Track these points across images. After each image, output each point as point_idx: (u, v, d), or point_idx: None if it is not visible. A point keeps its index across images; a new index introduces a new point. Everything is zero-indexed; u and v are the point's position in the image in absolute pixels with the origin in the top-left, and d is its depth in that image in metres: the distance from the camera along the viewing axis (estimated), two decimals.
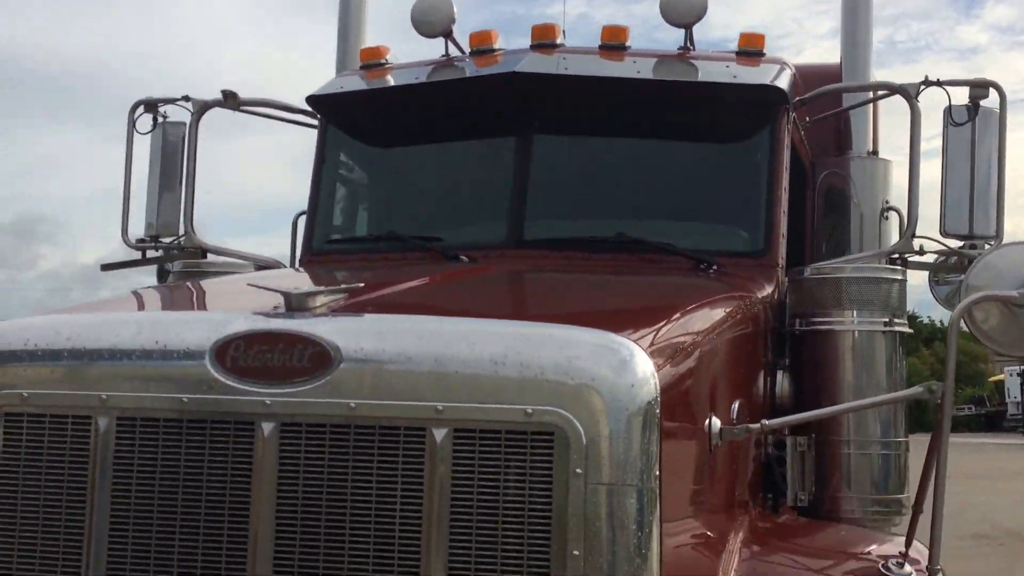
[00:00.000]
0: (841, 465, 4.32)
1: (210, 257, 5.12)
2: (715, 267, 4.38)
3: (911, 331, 4.46)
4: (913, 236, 4.65)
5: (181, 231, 5.14)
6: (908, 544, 3.28)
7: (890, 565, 3.14)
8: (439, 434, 2.35)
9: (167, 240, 5.18)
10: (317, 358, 2.42)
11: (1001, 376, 70.48)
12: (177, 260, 5.07)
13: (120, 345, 2.53)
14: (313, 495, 2.39)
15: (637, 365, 2.40)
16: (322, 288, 2.63)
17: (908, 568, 3.16)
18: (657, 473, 2.35)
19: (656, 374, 2.44)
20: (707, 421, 2.88)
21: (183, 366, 2.48)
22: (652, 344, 2.60)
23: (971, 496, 23.93)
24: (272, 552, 2.38)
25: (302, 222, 5.39)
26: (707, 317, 3.34)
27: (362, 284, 2.75)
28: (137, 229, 5.22)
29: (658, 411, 2.39)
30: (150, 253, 5.16)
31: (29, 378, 2.55)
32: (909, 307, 4.54)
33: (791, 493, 4.30)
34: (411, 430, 2.37)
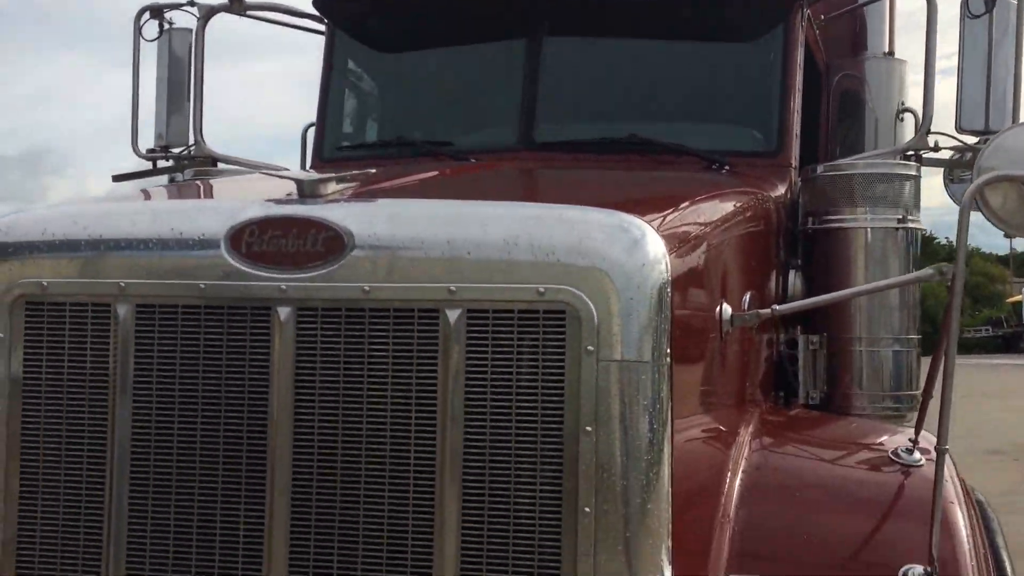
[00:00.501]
0: (853, 363, 4.34)
1: (220, 167, 5.12)
2: (727, 167, 4.36)
3: (925, 229, 4.45)
4: (928, 133, 4.60)
5: (191, 140, 5.14)
6: (917, 432, 3.31)
7: (900, 452, 3.17)
8: (452, 315, 2.37)
9: (177, 150, 5.18)
10: (331, 243, 2.44)
11: (1019, 297, 70.26)
12: (188, 170, 5.07)
13: (136, 234, 2.55)
14: (330, 378, 2.43)
15: (648, 245, 2.41)
16: (334, 176, 2.63)
17: (917, 455, 3.19)
18: (668, 351, 2.37)
19: (667, 256, 2.44)
20: (718, 308, 2.90)
21: (199, 253, 2.50)
22: (664, 227, 2.60)
23: (986, 415, 24.15)
24: (291, 432, 2.43)
25: (311, 135, 5.38)
26: (719, 208, 3.34)
27: (373, 171, 2.76)
28: (148, 141, 5.22)
29: (669, 291, 2.40)
30: (161, 163, 5.17)
31: (48, 267, 2.58)
32: (926, 228, 4.52)
33: (803, 391, 4.34)
34: (425, 312, 2.39)
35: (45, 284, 2.57)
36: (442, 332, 2.37)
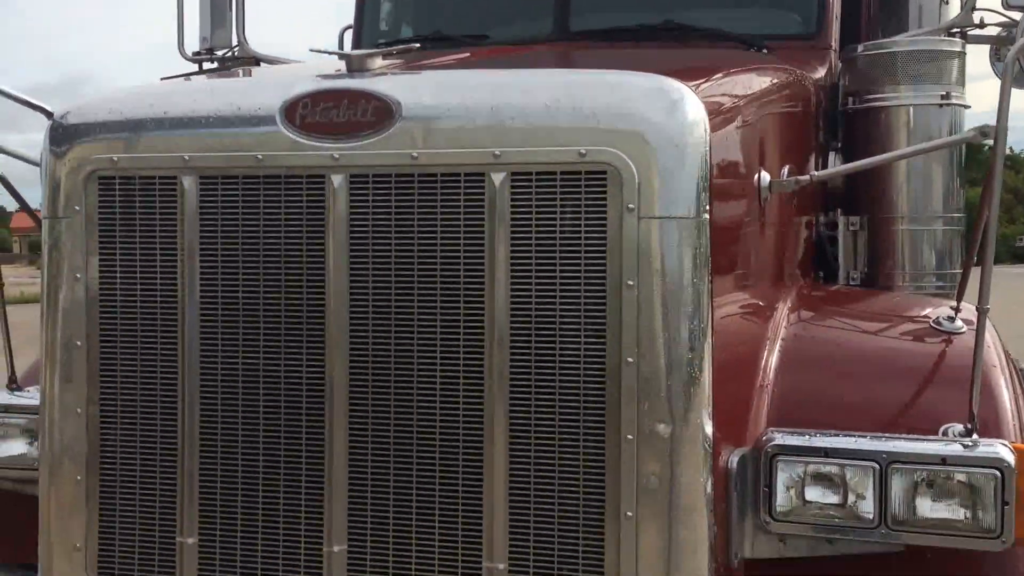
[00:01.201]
0: (895, 242, 4.38)
1: (263, 66, 5.21)
2: (766, 50, 4.36)
3: (969, 106, 4.42)
4: (973, 9, 4.55)
5: (234, 42, 5.23)
6: (959, 301, 3.35)
7: (941, 320, 3.22)
8: (497, 178, 2.47)
9: (221, 52, 5.27)
10: (380, 112, 2.53)
11: None
12: (233, 70, 5.16)
13: (198, 110, 2.67)
14: (382, 242, 2.55)
15: (688, 106, 2.47)
16: (381, 51, 2.72)
17: (959, 322, 3.24)
18: (708, 208, 2.45)
19: (706, 118, 2.50)
20: (756, 175, 2.95)
21: (256, 127, 2.61)
22: (703, 92, 2.65)
23: None
24: (347, 295, 2.56)
25: (348, 37, 5.45)
26: (758, 82, 3.37)
27: (418, 45, 2.84)
28: (193, 44, 5.30)
29: (707, 152, 2.47)
30: (206, 66, 5.26)
31: (118, 144, 2.72)
32: (970, 105, 4.47)
33: (843, 272, 4.39)
34: (471, 176, 2.49)
35: (115, 159, 2.71)
36: (487, 195, 2.47)
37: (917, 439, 2.57)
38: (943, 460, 2.49)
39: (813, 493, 2.55)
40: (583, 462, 2.43)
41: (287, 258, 2.61)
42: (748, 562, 2.64)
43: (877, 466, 2.50)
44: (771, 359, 3.05)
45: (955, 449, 2.51)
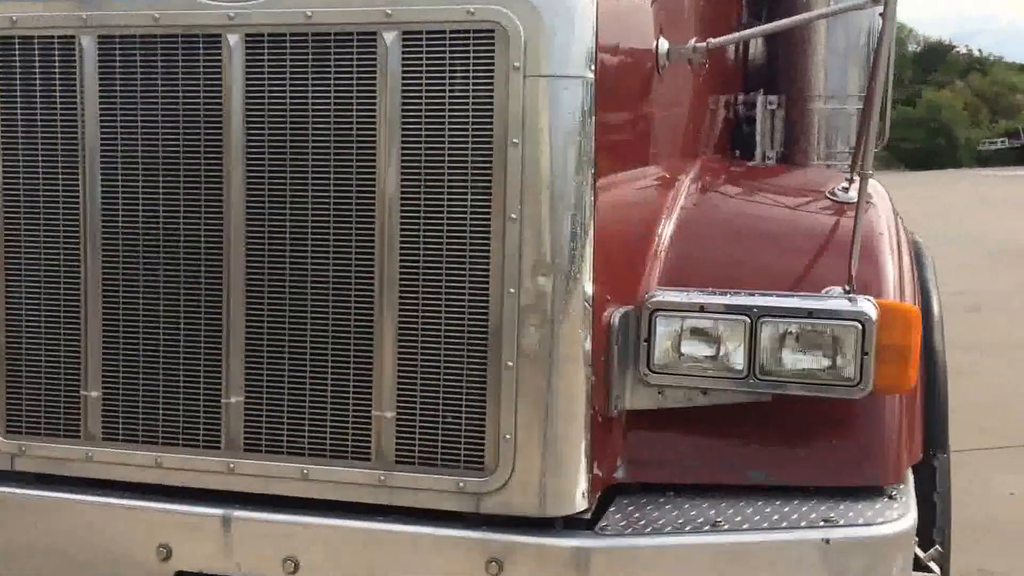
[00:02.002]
0: (813, 120, 4.48)
1: None
2: None
3: None
4: None
5: None
6: (853, 170, 3.46)
7: (836, 191, 3.33)
8: (389, 37, 2.51)
9: None
10: None
11: None
12: None
13: None
14: (278, 103, 2.59)
15: None
16: None
17: (853, 193, 3.36)
18: (593, 69, 2.51)
19: None
20: (655, 42, 3.00)
21: None
22: None
23: (993, 222, 24.32)
24: (244, 155, 2.61)
25: None
26: None
27: None
28: None
29: (595, 12, 2.51)
30: None
31: (17, 5, 2.73)
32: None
33: (760, 150, 4.49)
34: (363, 35, 2.53)
35: (14, 19, 2.72)
36: (380, 53, 2.52)
37: (787, 295, 2.70)
38: (809, 313, 2.62)
39: (688, 347, 2.69)
40: (467, 315, 2.54)
41: (186, 119, 2.66)
42: (634, 413, 2.79)
43: (748, 320, 2.64)
44: (668, 226, 3.16)
45: (821, 303, 2.64)
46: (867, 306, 2.62)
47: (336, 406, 2.64)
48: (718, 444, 2.83)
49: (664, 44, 3.01)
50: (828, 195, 3.34)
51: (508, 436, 2.54)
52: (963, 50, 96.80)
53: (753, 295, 2.71)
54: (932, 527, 3.18)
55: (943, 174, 56.93)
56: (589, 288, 2.56)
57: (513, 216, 2.49)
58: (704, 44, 3.03)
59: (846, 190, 3.38)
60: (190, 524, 2.69)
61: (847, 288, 2.78)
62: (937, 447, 3.18)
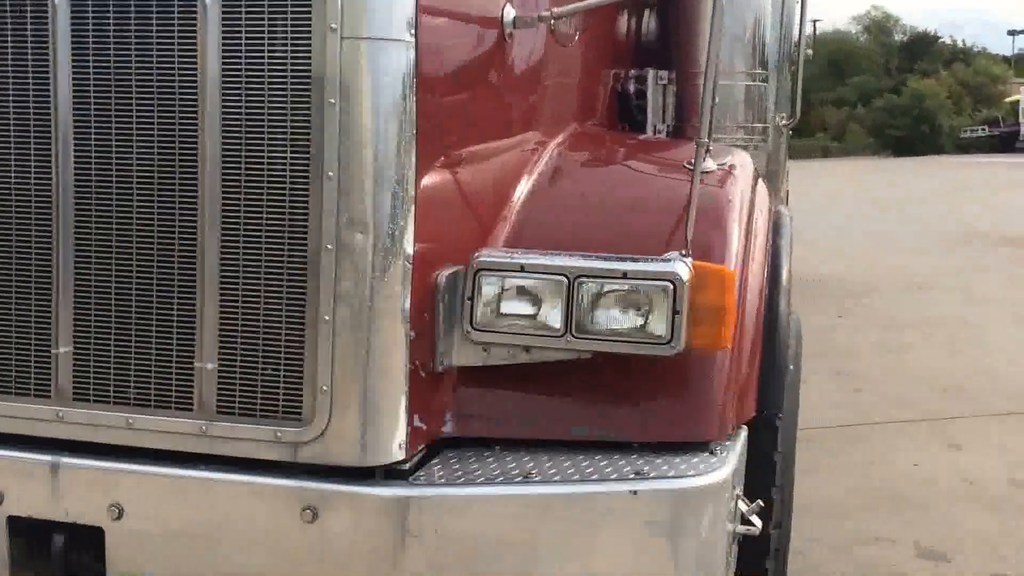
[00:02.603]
0: (701, 96, 4.54)
1: None
2: None
3: None
4: None
5: None
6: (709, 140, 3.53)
7: (684, 165, 3.40)
8: None
9: None
10: None
11: (1017, 97, 69.25)
12: None
13: None
14: (102, 60, 2.64)
15: None
16: None
17: (710, 163, 3.44)
18: (415, 31, 2.57)
19: None
20: (501, 8, 3.06)
21: None
22: None
23: (959, 207, 24.57)
24: (71, 103, 2.67)
25: None
26: None
27: None
28: None
29: None
30: None
31: None
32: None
33: (650, 125, 4.56)
34: None
35: None
36: (199, 12, 2.57)
37: (607, 257, 2.78)
38: (624, 274, 2.71)
39: (510, 305, 2.77)
40: (286, 270, 2.62)
41: (15, 82, 2.71)
42: (465, 370, 2.87)
43: (566, 280, 2.72)
44: (522, 190, 3.23)
45: (635, 265, 2.72)
46: (680, 267, 2.70)
47: (160, 357, 2.72)
48: (545, 400, 2.91)
49: (511, 11, 3.07)
50: (685, 165, 3.41)
51: (325, 388, 2.61)
52: (948, 41, 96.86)
53: (574, 256, 2.79)
54: (772, 486, 3.27)
55: (924, 160, 57.30)
56: (410, 247, 2.63)
57: (330, 175, 2.55)
58: (548, 13, 3.09)
59: (703, 160, 3.46)
60: (21, 470, 2.76)
61: (684, 252, 2.86)
62: (777, 408, 3.27)
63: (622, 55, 4.47)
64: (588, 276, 2.72)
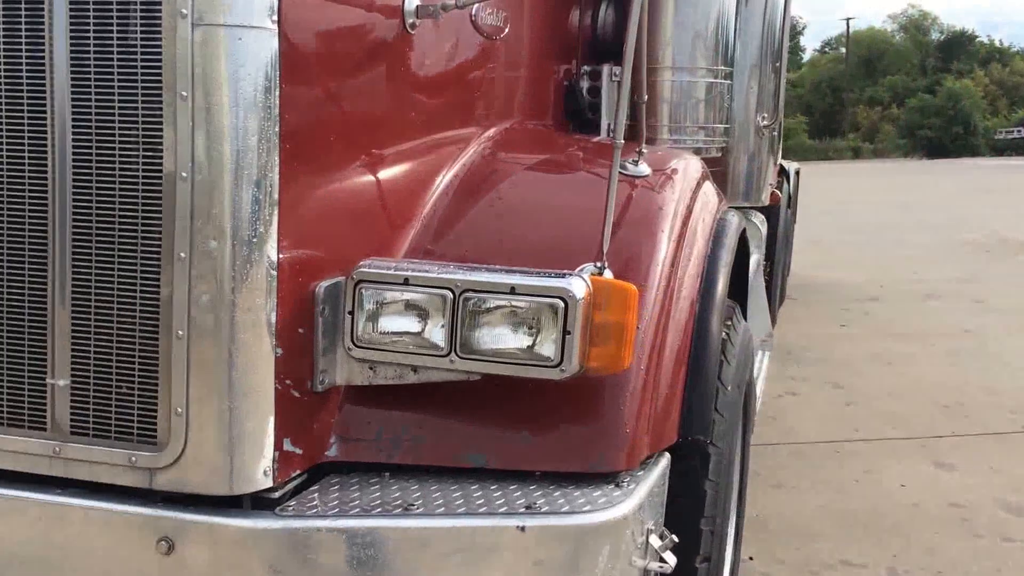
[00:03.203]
0: (658, 94, 4.30)
1: None
2: None
3: None
4: None
5: None
6: (641, 143, 3.31)
7: (626, 164, 3.17)
8: None
9: None
10: None
11: None
12: None
13: None
14: None
15: None
16: None
17: (644, 167, 3.20)
18: (277, 19, 2.34)
19: None
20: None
21: None
22: None
23: (977, 209, 24.11)
24: None
25: None
26: None
27: None
28: None
29: None
30: None
31: None
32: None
33: (604, 123, 4.32)
34: None
35: None
36: (47, 7, 2.36)
37: (497, 270, 2.54)
38: (512, 289, 2.46)
39: (393, 321, 2.53)
40: (139, 280, 2.40)
41: None
42: (353, 389, 2.65)
43: (451, 294, 2.48)
44: (430, 195, 3.01)
45: (525, 279, 2.47)
46: (573, 283, 2.45)
47: (12, 372, 2.51)
48: (439, 424, 2.68)
49: (414, 1, 2.83)
50: (623, 168, 3.17)
51: (180, 410, 2.39)
52: (985, 40, 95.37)
53: (461, 268, 2.55)
54: (701, 517, 3.02)
55: (956, 162, 56.42)
56: (274, 255, 2.40)
57: (184, 175, 2.33)
58: (453, 2, 2.86)
59: (636, 163, 3.22)
60: None
61: (598, 265, 2.62)
62: (705, 433, 3.00)
63: (570, 49, 4.22)
64: (474, 291, 2.47)
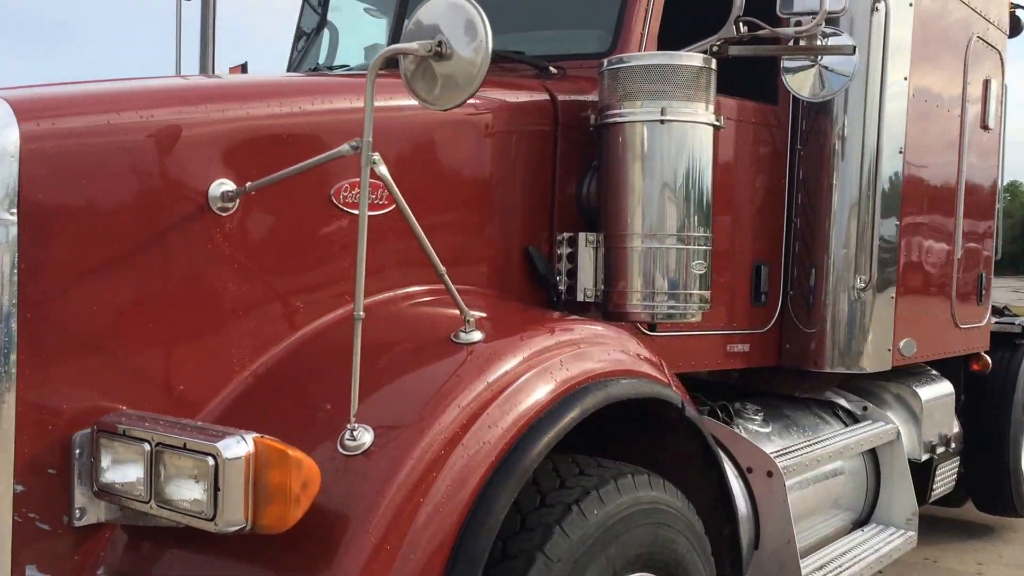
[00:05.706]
0: (628, 260, 4.27)
1: None
2: (558, 71, 4.50)
3: (715, 123, 4.20)
4: (738, 20, 4.29)
5: None
6: (462, 310, 3.26)
7: (460, 332, 3.24)
8: None
9: None
10: None
11: None
12: None
13: None
14: None
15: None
16: None
17: (476, 334, 3.25)
18: (14, 211, 2.78)
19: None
20: (207, 189, 3.12)
21: None
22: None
23: None
24: None
25: None
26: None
27: None
28: None
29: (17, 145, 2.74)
30: None
31: None
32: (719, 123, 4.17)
33: (580, 288, 4.37)
34: None
35: None
36: None
37: (188, 426, 2.76)
38: (184, 445, 2.68)
39: (118, 470, 2.84)
40: None
41: None
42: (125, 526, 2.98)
43: (148, 447, 2.76)
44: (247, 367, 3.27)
45: (195, 437, 2.66)
46: (226, 443, 2.61)
47: None
48: (202, 563, 2.86)
49: (218, 188, 3.17)
50: (452, 337, 3.28)
51: None
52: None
53: (170, 424, 2.80)
54: None
55: None
56: (11, 411, 2.77)
57: None
58: (247, 186, 3.15)
59: (467, 331, 3.28)
60: None
61: (351, 427, 2.81)
62: None
63: (536, 216, 4.31)
64: (163, 444, 2.74)
